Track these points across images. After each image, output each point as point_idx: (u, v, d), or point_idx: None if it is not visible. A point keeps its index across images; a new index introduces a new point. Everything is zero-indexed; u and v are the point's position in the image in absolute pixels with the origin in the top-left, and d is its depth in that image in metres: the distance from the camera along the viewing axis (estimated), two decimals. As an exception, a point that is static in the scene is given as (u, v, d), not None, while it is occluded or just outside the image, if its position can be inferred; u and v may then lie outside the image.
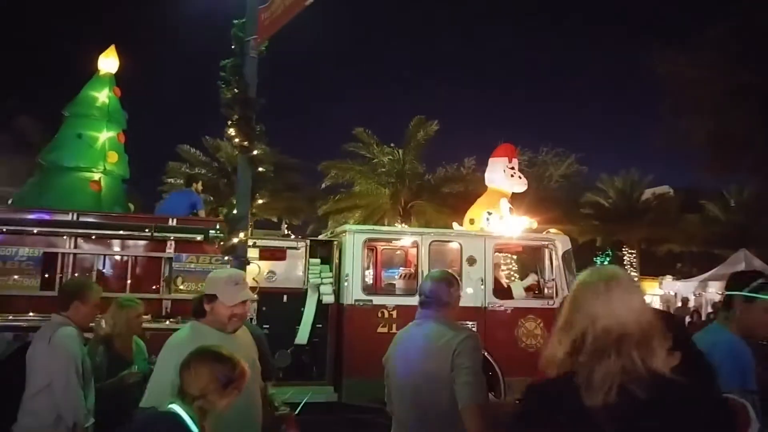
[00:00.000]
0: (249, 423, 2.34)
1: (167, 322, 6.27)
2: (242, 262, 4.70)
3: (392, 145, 19.51)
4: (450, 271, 3.20)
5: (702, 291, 16.47)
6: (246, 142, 4.83)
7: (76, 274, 6.32)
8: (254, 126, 4.85)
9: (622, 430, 1.24)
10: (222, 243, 5.05)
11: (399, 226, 16.64)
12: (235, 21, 5.09)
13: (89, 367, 3.38)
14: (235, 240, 4.73)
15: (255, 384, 2.55)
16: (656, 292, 19.04)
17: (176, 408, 2.00)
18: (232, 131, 4.95)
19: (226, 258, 6.81)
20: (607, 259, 25.20)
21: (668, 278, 19.15)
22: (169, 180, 19.60)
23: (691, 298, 16.67)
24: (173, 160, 20.06)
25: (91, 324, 3.67)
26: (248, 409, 2.28)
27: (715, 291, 15.76)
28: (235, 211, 4.92)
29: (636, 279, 19.26)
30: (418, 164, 19.79)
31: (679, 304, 14.23)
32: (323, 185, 20.40)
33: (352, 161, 19.70)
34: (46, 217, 6.44)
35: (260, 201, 5.72)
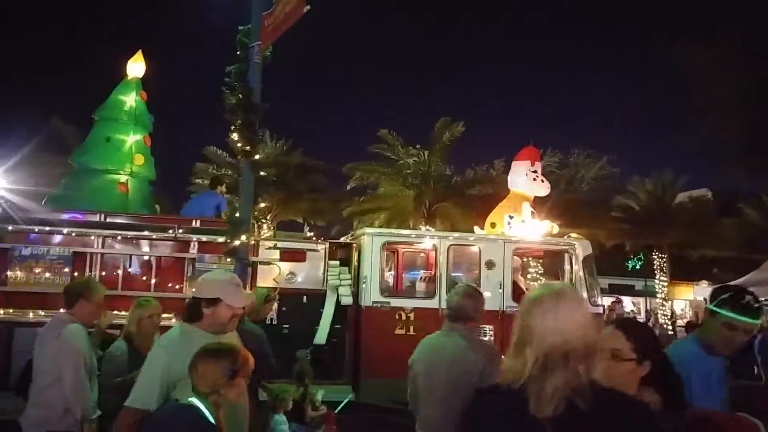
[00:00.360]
0: (235, 420, 2.41)
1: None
2: (244, 265, 4.77)
3: (418, 146, 19.49)
4: (474, 285, 3.51)
5: None
6: (248, 147, 4.89)
7: (103, 273, 6.55)
8: (257, 131, 4.92)
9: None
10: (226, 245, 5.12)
11: (423, 229, 16.63)
12: (240, 27, 5.17)
13: (94, 362, 3.54)
14: (237, 243, 4.79)
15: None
16: (690, 297, 18.58)
17: (195, 401, 2.16)
18: (235, 136, 5.03)
19: (250, 258, 7.01)
20: (639, 263, 24.66)
21: (704, 283, 18.65)
22: (197, 181, 19.98)
23: None
24: (200, 161, 20.43)
25: (95, 321, 3.86)
26: (234, 407, 2.34)
27: None
28: (237, 214, 4.92)
29: (666, 284, 18.81)
30: (443, 166, 19.69)
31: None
32: (348, 187, 20.46)
33: (377, 163, 19.74)
34: (76, 217, 6.69)
35: (262, 204, 5.82)
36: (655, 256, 19.08)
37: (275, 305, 7.01)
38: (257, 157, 4.92)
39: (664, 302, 18.24)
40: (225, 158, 20.42)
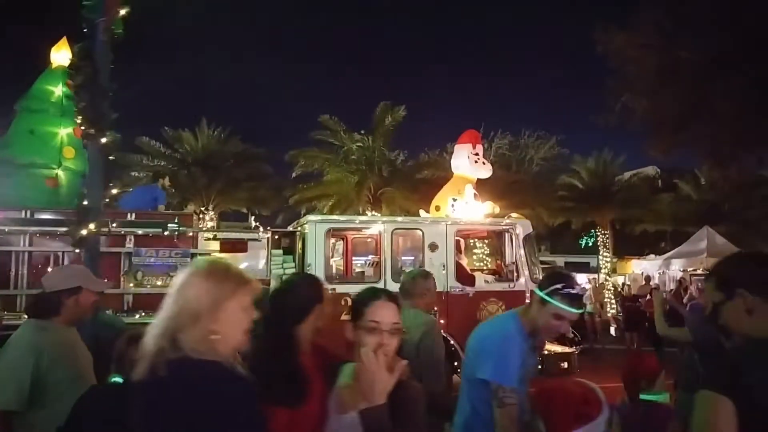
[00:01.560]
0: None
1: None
2: (94, 255, 4.50)
3: (362, 132, 19.37)
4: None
5: (666, 269, 16.86)
6: (93, 130, 4.57)
7: (33, 271, 6.28)
8: (104, 113, 4.60)
9: (149, 403, 1.45)
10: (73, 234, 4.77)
11: (369, 215, 16.62)
12: (85, 2, 4.71)
13: None
14: (84, 231, 4.54)
15: (92, 374, 2.75)
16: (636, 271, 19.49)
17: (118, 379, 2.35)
18: (80, 118, 4.71)
19: (189, 250, 6.86)
20: (591, 240, 25.60)
21: (651, 257, 19.58)
22: (132, 173, 19.22)
23: (655, 276, 17.06)
24: (134, 153, 19.58)
25: None
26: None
27: (677, 269, 16.14)
28: (85, 202, 4.59)
29: (609, 259, 19.63)
30: (386, 151, 19.65)
31: (643, 283, 14.56)
32: (294, 174, 20.18)
33: (319, 149, 19.51)
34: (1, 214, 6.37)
35: (114, 191, 5.57)
36: (599, 233, 19.83)
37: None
38: (104, 140, 4.58)
39: (608, 277, 19.03)
40: (159, 149, 19.73)
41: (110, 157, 4.84)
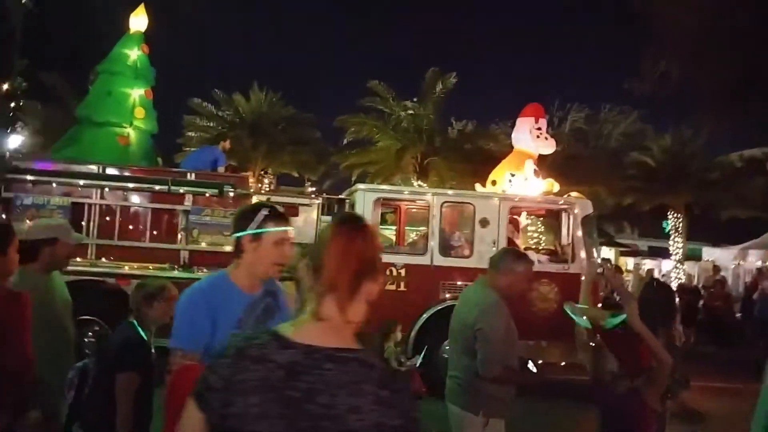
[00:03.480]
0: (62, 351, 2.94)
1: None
2: None
3: (415, 99, 18.88)
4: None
5: (742, 260, 15.47)
6: None
7: (99, 224, 6.80)
8: (12, 60, 4.50)
9: None
10: None
11: (415, 184, 16.32)
12: None
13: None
14: None
15: (68, 319, 3.08)
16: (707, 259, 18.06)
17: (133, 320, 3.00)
18: None
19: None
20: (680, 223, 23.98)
21: (726, 246, 17.99)
22: (189, 134, 19.97)
23: (730, 267, 15.70)
24: (187, 114, 20.09)
25: None
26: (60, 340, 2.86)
27: (754, 260, 14.74)
28: None
29: (680, 245, 18.23)
30: (435, 120, 18.99)
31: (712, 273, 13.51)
32: (345, 141, 20.08)
33: (366, 116, 19.20)
34: (75, 168, 6.90)
35: (20, 138, 5.38)
36: (671, 216, 18.35)
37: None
38: (6, 87, 4.57)
39: (678, 265, 17.76)
40: (210, 110, 20.31)
41: (11, 104, 4.84)
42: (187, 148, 19.50)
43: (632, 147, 21.62)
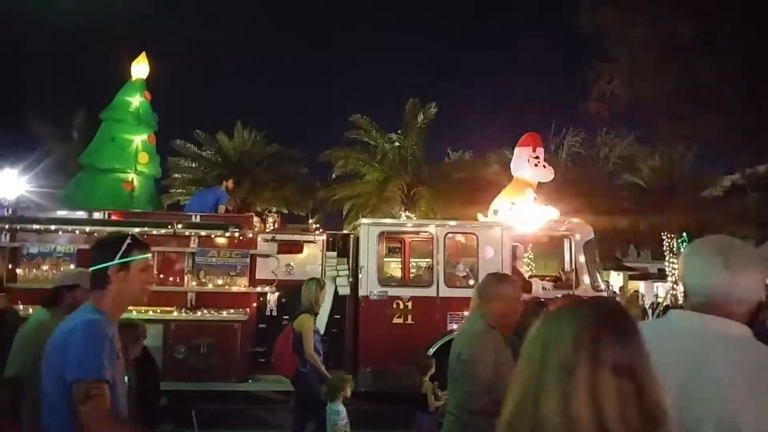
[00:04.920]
0: None
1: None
2: None
3: (399, 132, 19.22)
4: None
5: None
6: None
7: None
8: None
9: None
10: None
11: (402, 215, 16.38)
12: None
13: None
14: None
15: None
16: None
17: None
18: None
19: (248, 251, 7.19)
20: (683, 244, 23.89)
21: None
22: (174, 175, 20.05)
23: None
24: (171, 156, 20.13)
25: None
26: None
27: None
28: None
29: (677, 266, 18.21)
30: (419, 150, 19.33)
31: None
32: (333, 175, 20.40)
33: (350, 149, 19.60)
34: (81, 215, 6.97)
35: None
36: (665, 237, 18.31)
37: (275, 297, 7.24)
38: None
39: (675, 286, 17.69)
40: (193, 150, 20.49)
41: None
42: (173, 190, 19.74)
43: (627, 169, 21.77)
